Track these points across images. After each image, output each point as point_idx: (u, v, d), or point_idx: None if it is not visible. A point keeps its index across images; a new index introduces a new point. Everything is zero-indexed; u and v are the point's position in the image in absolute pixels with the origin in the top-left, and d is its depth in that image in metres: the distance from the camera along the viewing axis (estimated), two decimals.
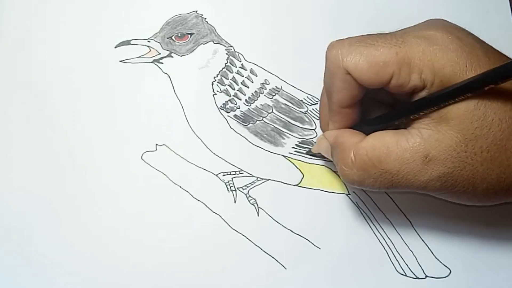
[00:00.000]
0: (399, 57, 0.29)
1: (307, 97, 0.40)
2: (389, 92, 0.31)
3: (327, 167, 0.38)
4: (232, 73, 0.40)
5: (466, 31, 0.31)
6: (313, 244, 0.37)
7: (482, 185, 0.29)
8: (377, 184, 0.31)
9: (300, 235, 0.37)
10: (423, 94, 0.30)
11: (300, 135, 0.38)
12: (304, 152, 0.38)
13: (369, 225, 0.37)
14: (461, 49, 0.29)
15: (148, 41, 0.40)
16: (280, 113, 0.39)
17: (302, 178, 0.38)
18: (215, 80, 0.39)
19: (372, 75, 0.30)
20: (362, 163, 0.31)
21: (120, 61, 0.40)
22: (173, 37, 0.40)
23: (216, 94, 0.39)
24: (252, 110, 0.39)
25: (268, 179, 0.38)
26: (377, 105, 0.35)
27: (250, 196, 0.38)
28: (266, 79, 0.40)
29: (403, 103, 0.32)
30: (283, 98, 0.39)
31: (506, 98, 0.29)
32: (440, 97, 0.29)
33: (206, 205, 0.37)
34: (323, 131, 0.36)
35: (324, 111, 0.35)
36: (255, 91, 0.39)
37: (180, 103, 0.39)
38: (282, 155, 0.38)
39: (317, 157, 0.38)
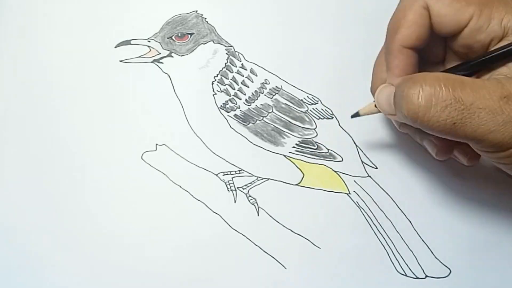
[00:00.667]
0: None
1: (307, 96, 0.40)
2: (463, 42, 0.29)
3: (327, 167, 0.38)
4: (232, 72, 0.40)
5: None
6: (313, 244, 0.37)
7: None
8: (444, 115, 0.27)
9: (300, 235, 0.37)
10: (503, 43, 0.28)
11: (300, 134, 0.38)
12: (306, 152, 0.38)
13: (369, 225, 0.37)
14: None
15: (148, 41, 0.40)
16: (280, 112, 0.39)
17: (303, 177, 0.38)
18: (215, 80, 0.39)
19: (452, 11, 0.29)
20: (433, 89, 0.28)
21: (120, 61, 0.40)
22: (173, 37, 0.40)
23: (216, 93, 0.39)
24: (252, 109, 0.39)
25: (268, 179, 0.38)
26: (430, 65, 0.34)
27: (250, 196, 0.38)
28: (266, 79, 0.40)
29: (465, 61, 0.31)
30: (283, 98, 0.39)
31: None
32: None
33: (206, 205, 0.37)
34: (373, 92, 0.35)
35: (378, 73, 0.34)
36: (255, 90, 0.39)
37: (180, 103, 0.39)
38: (283, 155, 0.38)
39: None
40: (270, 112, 0.39)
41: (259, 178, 0.38)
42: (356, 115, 0.36)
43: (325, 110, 0.39)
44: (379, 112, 0.33)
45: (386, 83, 0.33)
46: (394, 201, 0.38)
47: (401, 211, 0.38)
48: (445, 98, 0.27)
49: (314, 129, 0.39)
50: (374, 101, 0.34)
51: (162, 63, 0.40)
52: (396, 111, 0.30)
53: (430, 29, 0.30)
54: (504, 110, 0.27)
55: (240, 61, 0.40)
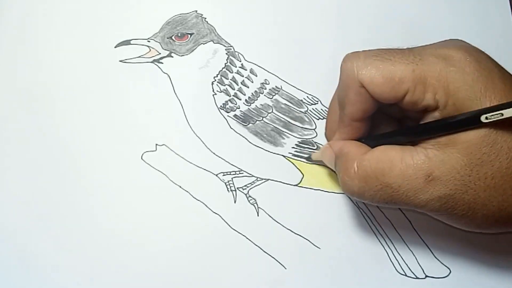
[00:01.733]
0: (415, 74, 0.29)
1: (307, 97, 0.39)
2: (400, 107, 0.31)
3: (327, 167, 0.38)
4: (232, 73, 0.40)
5: (485, 54, 0.30)
6: (313, 244, 0.37)
7: (482, 211, 0.29)
8: (376, 198, 0.31)
9: (300, 235, 0.37)
10: (435, 115, 0.30)
11: (300, 135, 0.38)
12: (305, 152, 0.38)
13: (369, 225, 0.37)
14: (478, 73, 0.29)
15: (148, 41, 0.40)
16: (280, 113, 0.39)
17: (302, 178, 0.38)
18: (215, 80, 0.39)
19: (387, 89, 0.30)
20: (365, 175, 0.30)
21: (120, 61, 0.40)
22: (173, 37, 0.40)
23: (216, 94, 0.39)
24: (252, 110, 0.39)
25: (268, 179, 0.38)
26: (386, 118, 0.35)
27: (250, 196, 0.38)
28: (266, 79, 0.40)
29: (412, 121, 0.32)
30: (283, 98, 0.39)
31: None
32: (452, 124, 0.29)
33: (206, 205, 0.37)
34: (328, 138, 0.36)
35: (331, 118, 0.35)
36: (255, 91, 0.39)
37: (180, 103, 0.39)
38: (282, 155, 0.38)
39: (315, 162, 0.38)
40: (270, 113, 0.39)
41: (258, 179, 0.38)
42: (309, 158, 0.38)
43: (325, 110, 0.39)
44: None
45: (333, 139, 0.34)
46: None
47: (401, 211, 0.37)
48: (375, 184, 0.30)
49: (314, 129, 0.39)
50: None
51: (162, 63, 0.40)
52: None
53: (374, 102, 0.31)
54: (427, 190, 0.29)
55: (240, 61, 0.40)
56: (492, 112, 0.27)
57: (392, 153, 0.30)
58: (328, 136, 0.37)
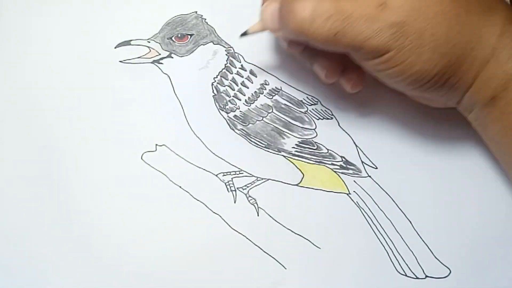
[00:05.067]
0: None
1: (307, 97, 0.40)
2: None
3: (327, 167, 0.38)
4: (231, 73, 0.40)
5: None
6: (313, 244, 0.37)
7: (430, 42, 0.29)
8: (327, 26, 0.30)
9: (300, 235, 0.37)
10: None
11: (300, 135, 0.39)
12: (306, 152, 0.38)
13: (369, 225, 0.37)
14: None
15: (148, 42, 0.40)
16: (280, 113, 0.39)
17: (302, 178, 0.38)
18: (215, 81, 0.39)
19: None
20: (316, 1, 0.30)
21: (120, 61, 0.40)
22: (173, 38, 0.40)
23: (215, 94, 0.39)
24: (252, 110, 0.39)
25: (268, 179, 0.38)
26: None
27: (250, 196, 0.38)
28: (265, 80, 0.40)
29: None
30: (283, 99, 0.39)
31: None
32: None
33: (206, 205, 0.37)
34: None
35: None
36: (255, 91, 0.39)
37: (180, 103, 0.39)
38: (282, 155, 0.38)
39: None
40: (270, 112, 0.39)
41: (258, 179, 0.38)
42: (245, 33, 0.36)
43: (325, 110, 0.39)
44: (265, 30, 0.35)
45: None
46: (394, 201, 0.38)
47: (401, 211, 0.38)
48: (328, 8, 0.29)
49: (314, 129, 0.39)
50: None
51: (162, 63, 0.40)
52: (281, 27, 0.32)
53: None
54: (380, 17, 0.29)
55: (240, 62, 0.40)
56: None
57: None
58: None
